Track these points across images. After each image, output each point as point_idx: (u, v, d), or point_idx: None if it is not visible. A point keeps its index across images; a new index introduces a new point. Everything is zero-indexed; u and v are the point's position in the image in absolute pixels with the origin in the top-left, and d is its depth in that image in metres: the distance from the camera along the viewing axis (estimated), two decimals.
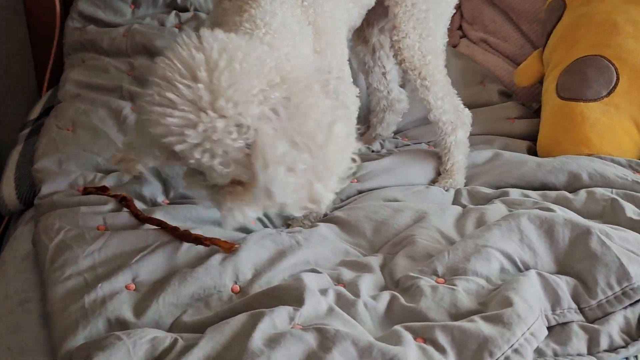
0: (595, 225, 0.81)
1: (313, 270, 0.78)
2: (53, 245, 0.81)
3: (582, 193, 0.98)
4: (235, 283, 0.76)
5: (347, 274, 0.78)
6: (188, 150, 0.67)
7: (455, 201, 1.02)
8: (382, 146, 1.21)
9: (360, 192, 1.03)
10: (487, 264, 0.77)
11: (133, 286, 0.75)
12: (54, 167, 1.03)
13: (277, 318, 0.64)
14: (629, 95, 1.14)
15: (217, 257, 0.78)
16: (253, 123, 0.68)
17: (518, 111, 1.32)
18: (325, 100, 0.74)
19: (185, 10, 1.51)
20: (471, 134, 1.21)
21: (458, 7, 1.65)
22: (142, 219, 0.87)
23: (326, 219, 0.94)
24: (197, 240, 0.82)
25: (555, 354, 0.69)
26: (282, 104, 0.69)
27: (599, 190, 0.98)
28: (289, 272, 0.79)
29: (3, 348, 0.74)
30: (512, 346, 0.63)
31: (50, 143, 1.07)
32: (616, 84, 1.15)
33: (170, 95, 0.67)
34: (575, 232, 0.80)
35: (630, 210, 0.91)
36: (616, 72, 1.15)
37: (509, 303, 0.68)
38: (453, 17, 1.61)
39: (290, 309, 0.66)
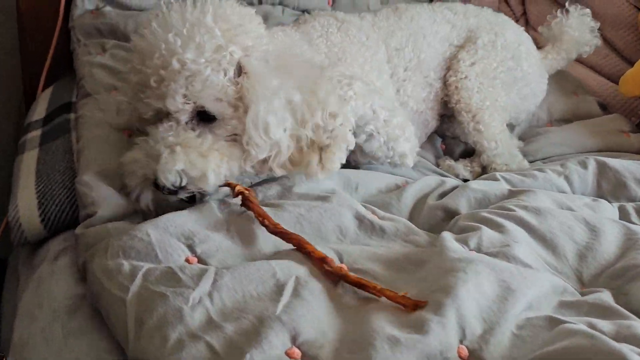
0: None
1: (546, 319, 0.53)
2: (132, 298, 0.52)
3: None
4: (461, 342, 0.49)
5: (605, 325, 0.53)
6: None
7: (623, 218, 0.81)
8: None
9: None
10: None
11: (298, 353, 0.48)
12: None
13: None
14: None
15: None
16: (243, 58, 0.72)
17: (629, 125, 1.14)
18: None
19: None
20: (590, 150, 1.03)
21: (522, 14, 1.49)
22: (273, 231, 0.60)
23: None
24: (360, 285, 0.55)
25: None
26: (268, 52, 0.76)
27: None
28: (520, 318, 0.53)
29: None
30: None
31: (105, 147, 0.76)
32: None
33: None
34: None
35: None
36: None
37: None
38: (517, 23, 1.45)
39: None
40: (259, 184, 0.76)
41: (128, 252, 0.58)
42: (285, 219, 0.65)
